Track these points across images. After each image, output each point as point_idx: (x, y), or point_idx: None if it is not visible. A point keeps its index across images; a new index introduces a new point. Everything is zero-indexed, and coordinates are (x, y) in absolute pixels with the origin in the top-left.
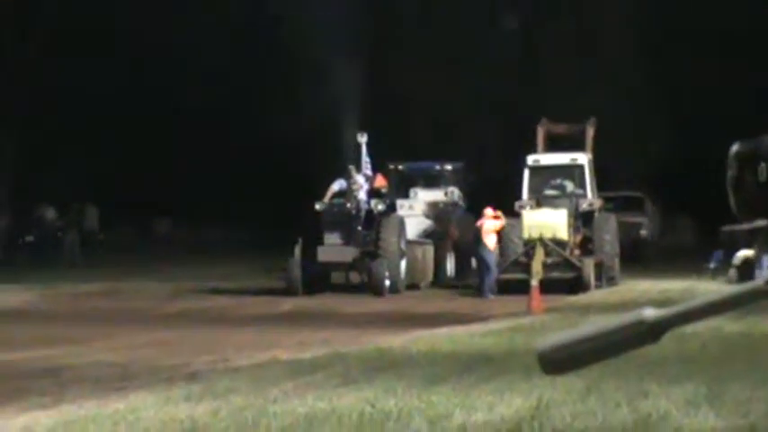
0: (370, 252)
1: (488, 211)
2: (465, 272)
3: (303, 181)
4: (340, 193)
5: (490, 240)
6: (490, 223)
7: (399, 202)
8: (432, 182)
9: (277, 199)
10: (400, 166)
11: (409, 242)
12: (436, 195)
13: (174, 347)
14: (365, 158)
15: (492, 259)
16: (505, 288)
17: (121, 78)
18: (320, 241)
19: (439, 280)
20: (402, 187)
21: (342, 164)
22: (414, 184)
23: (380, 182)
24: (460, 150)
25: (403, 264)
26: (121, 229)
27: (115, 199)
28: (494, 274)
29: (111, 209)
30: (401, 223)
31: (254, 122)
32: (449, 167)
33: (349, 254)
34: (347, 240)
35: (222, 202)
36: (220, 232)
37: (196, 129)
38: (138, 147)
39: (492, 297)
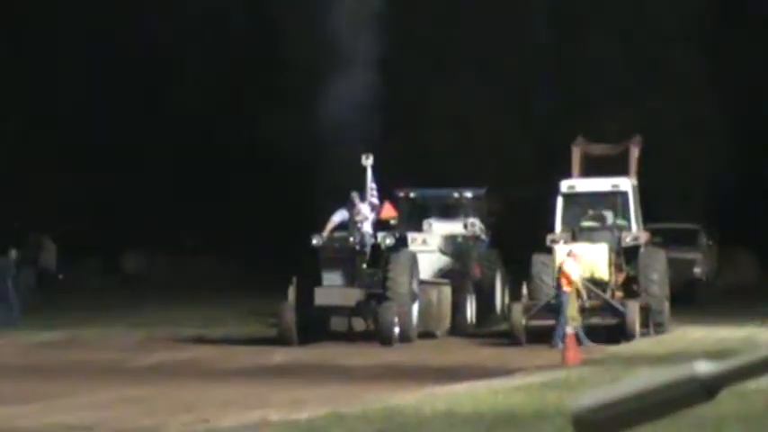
0: (377, 294)
1: (568, 250)
2: (488, 318)
3: (300, 211)
4: (342, 226)
5: (570, 279)
6: (571, 265)
7: (411, 235)
8: (449, 212)
9: (269, 231)
10: (412, 194)
11: (422, 282)
12: (454, 228)
13: (147, 406)
14: (371, 184)
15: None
16: (536, 336)
17: (88, 92)
18: (318, 282)
19: (458, 327)
20: (414, 218)
21: (343, 191)
22: (428, 214)
23: (389, 212)
24: (482, 175)
25: (415, 308)
26: (84, 266)
27: (75, 230)
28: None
29: (71, 242)
30: (413, 260)
31: (244, 140)
32: (469, 195)
33: (352, 297)
34: (350, 281)
35: (204, 234)
36: (202, 269)
37: (173, 146)
38: (104, 169)
39: (561, 346)
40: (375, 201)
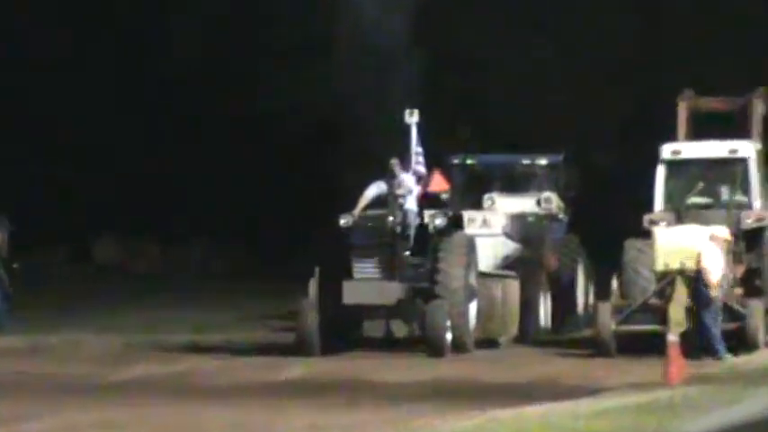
0: (424, 290)
1: (717, 231)
2: (567, 320)
3: (324, 184)
4: (378, 202)
5: (714, 272)
6: (713, 254)
7: (468, 214)
8: (517, 184)
9: (285, 210)
10: (469, 161)
11: (482, 275)
12: (524, 204)
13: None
14: (416, 149)
15: (715, 300)
16: (627, 344)
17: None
18: (348, 274)
19: (528, 333)
20: (473, 192)
21: (380, 158)
22: (490, 187)
23: (439, 184)
24: (557, 139)
25: (473, 308)
26: (50, 254)
27: (33, 210)
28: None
29: (30, 225)
30: (470, 246)
31: (248, 91)
32: (543, 162)
33: (391, 293)
34: (388, 273)
35: (199, 215)
36: (195, 258)
37: (159, 99)
38: (73, 142)
39: (729, 356)
40: (422, 169)
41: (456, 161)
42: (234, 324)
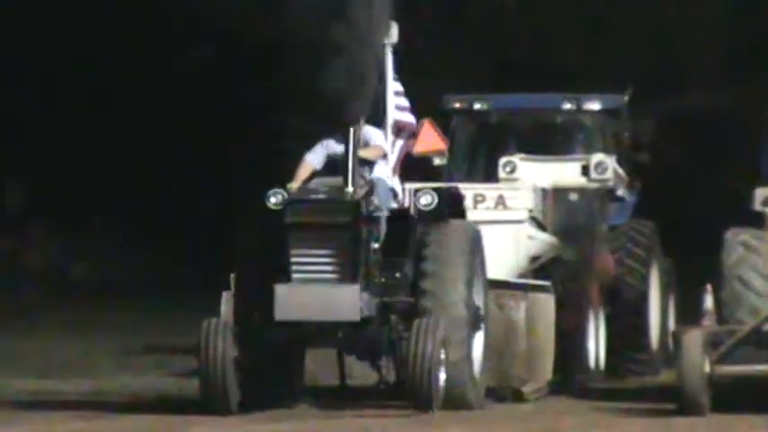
0: (402, 306)
1: None
2: (632, 357)
3: (246, 143)
4: (328, 168)
5: None
6: None
7: (473, 189)
8: (552, 142)
9: (192, 183)
10: (478, 105)
11: (495, 286)
12: (563, 173)
13: None
14: (394, 86)
15: None
16: (729, 394)
17: None
18: (282, 275)
19: (571, 375)
20: (482, 155)
21: (330, 102)
22: (508, 146)
23: (430, 142)
24: (617, 68)
25: (479, 337)
26: None
27: None
28: None
29: None
30: (475, 241)
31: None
32: (593, 107)
33: (350, 303)
34: (346, 272)
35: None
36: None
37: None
38: None
39: None
40: (404, 118)
41: (458, 105)
42: (106, 362)
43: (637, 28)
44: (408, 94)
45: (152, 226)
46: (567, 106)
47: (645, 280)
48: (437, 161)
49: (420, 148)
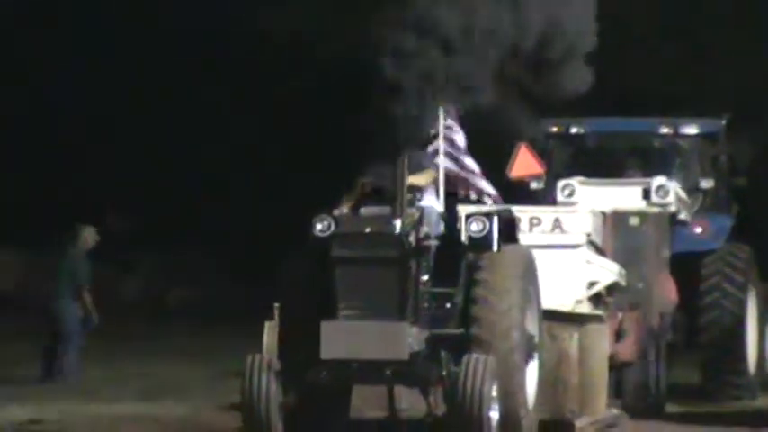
0: (452, 338)
1: None
2: (736, 380)
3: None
4: (376, 194)
5: None
6: None
7: (528, 211)
8: (649, 165)
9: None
10: (575, 128)
11: (549, 316)
12: (623, 196)
13: None
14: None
15: None
16: None
17: None
18: (329, 311)
19: (632, 405)
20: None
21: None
22: (610, 169)
23: (526, 166)
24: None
25: (533, 366)
26: None
27: None
28: None
29: None
30: (529, 268)
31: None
32: (691, 131)
33: (401, 342)
34: (394, 309)
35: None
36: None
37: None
38: None
39: None
40: (459, 141)
41: (555, 129)
42: (201, 386)
43: (737, 52)
44: (505, 116)
45: (253, 253)
46: (665, 130)
47: (742, 304)
48: (534, 185)
49: (517, 172)
